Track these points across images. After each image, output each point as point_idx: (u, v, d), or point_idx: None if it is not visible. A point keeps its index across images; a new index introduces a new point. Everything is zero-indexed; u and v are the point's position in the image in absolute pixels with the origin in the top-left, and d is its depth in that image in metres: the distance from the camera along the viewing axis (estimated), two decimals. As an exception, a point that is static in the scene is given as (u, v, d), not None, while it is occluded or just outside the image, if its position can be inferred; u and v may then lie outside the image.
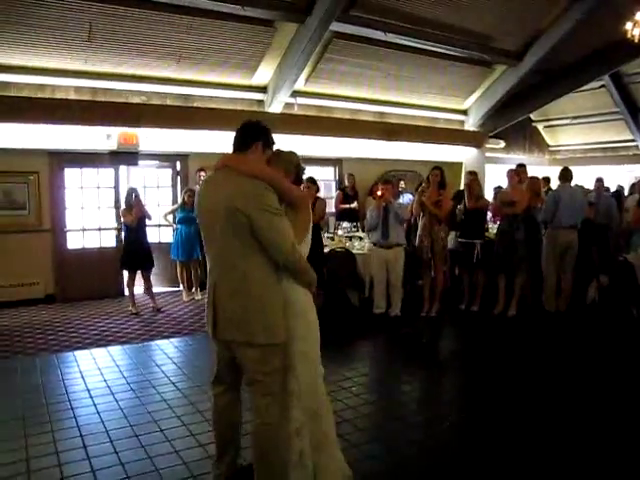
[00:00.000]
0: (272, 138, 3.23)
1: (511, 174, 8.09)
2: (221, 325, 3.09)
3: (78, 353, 6.36)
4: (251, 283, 2.99)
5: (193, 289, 9.38)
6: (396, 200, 8.20)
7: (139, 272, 8.43)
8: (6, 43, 7.88)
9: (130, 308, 8.32)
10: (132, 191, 8.35)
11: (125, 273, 8.71)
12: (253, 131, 3.15)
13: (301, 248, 3.15)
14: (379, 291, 7.77)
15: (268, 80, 10.08)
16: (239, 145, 3.14)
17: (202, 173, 9.26)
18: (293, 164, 3.32)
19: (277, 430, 3.07)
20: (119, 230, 9.42)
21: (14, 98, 8.28)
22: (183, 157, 10.08)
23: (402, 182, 11.54)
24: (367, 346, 6.89)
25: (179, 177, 10.20)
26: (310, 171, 9.25)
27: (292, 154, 3.37)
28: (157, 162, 10.11)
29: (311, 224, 3.30)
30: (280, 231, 2.94)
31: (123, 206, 8.33)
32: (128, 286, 8.49)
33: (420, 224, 7.97)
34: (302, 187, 3.80)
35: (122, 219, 8.38)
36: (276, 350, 3.05)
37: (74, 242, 9.41)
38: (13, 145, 8.40)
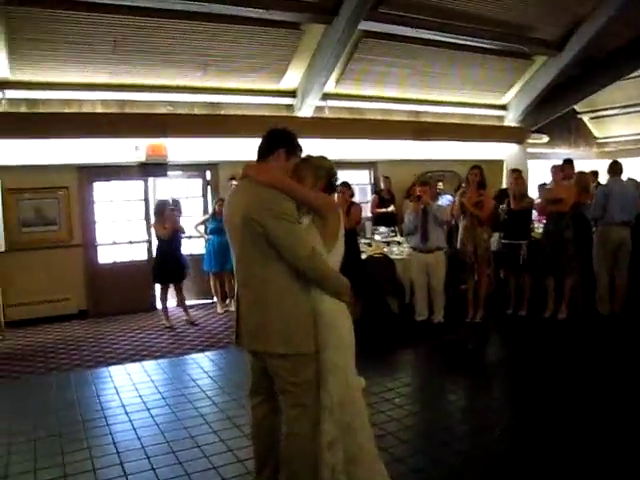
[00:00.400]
0: (297, 144, 3.24)
1: (555, 170, 7.97)
2: (243, 335, 3.20)
3: (112, 368, 6.48)
4: (270, 292, 3.04)
5: (227, 300, 9.47)
6: (435, 202, 8.15)
7: (172, 285, 8.58)
8: (34, 61, 8.16)
9: (164, 322, 8.44)
10: (163, 203, 8.50)
11: (157, 286, 8.85)
12: (276, 138, 3.20)
13: (331, 256, 3.15)
14: (420, 297, 7.73)
15: (297, 84, 10.18)
16: (262, 153, 3.20)
17: (233, 182, 9.36)
18: (324, 169, 3.31)
19: (306, 441, 3.08)
20: (150, 243, 9.58)
21: (42, 115, 8.56)
22: (213, 166, 10.20)
23: (440, 183, 11.45)
24: (409, 355, 6.85)
25: (209, 187, 10.33)
26: (344, 175, 9.28)
27: (322, 159, 3.36)
28: (186, 172, 10.27)
29: (342, 231, 3.27)
30: (297, 237, 2.99)
31: (154, 218, 8.46)
32: (161, 300, 8.62)
33: (461, 226, 7.91)
34: (336, 193, 3.82)
35: (155, 232, 8.51)
36: (305, 361, 3.06)
37: (105, 256, 9.61)
38: (42, 161, 8.64)
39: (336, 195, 6.53)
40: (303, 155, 3.30)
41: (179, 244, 8.54)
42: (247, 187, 3.12)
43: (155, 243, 8.76)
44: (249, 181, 3.12)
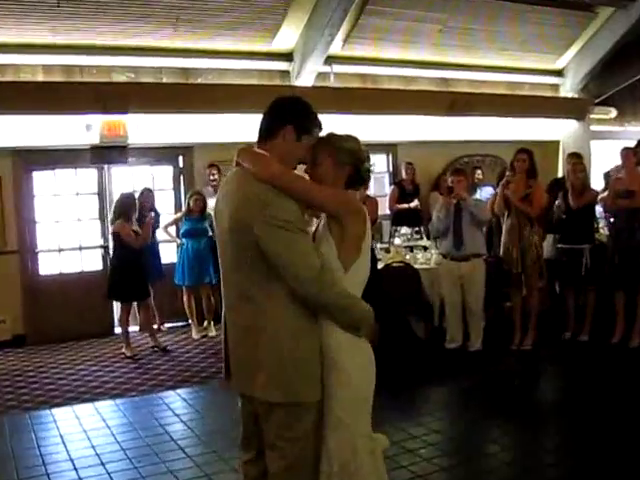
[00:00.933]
0: (314, 118, 3.12)
1: (626, 153, 7.96)
2: (233, 372, 3.17)
3: (57, 411, 6.45)
4: (265, 320, 2.96)
5: (205, 323, 9.48)
6: (471, 195, 8.14)
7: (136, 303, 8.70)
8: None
9: (124, 350, 8.44)
10: (132, 199, 8.59)
11: (117, 305, 8.93)
12: (281, 111, 3.08)
13: (350, 276, 3.05)
14: (453, 318, 7.72)
15: (293, 44, 10.21)
16: (263, 132, 3.09)
17: (214, 171, 9.38)
18: (348, 153, 3.15)
19: None
20: (107, 249, 9.61)
21: (-34, 84, 8.58)
22: (187, 150, 10.25)
23: (478, 171, 11.46)
24: (439, 393, 6.84)
25: (182, 176, 10.36)
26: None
27: (349, 139, 3.20)
28: (152, 158, 10.29)
29: (369, 241, 3.14)
30: (298, 253, 2.89)
31: (116, 218, 8.42)
32: (121, 322, 8.64)
33: (505, 226, 7.91)
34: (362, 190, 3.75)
35: (120, 236, 8.36)
36: (304, 411, 2.99)
37: (48, 266, 9.63)
38: (-34, 145, 8.67)
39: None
40: (323, 133, 3.18)
41: (156, 249, 8.71)
42: (240, 180, 3.03)
43: (112, 248, 8.77)
44: (243, 171, 3.02)
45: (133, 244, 8.30)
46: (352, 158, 3.14)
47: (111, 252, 8.99)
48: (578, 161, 8.22)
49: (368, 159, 3.24)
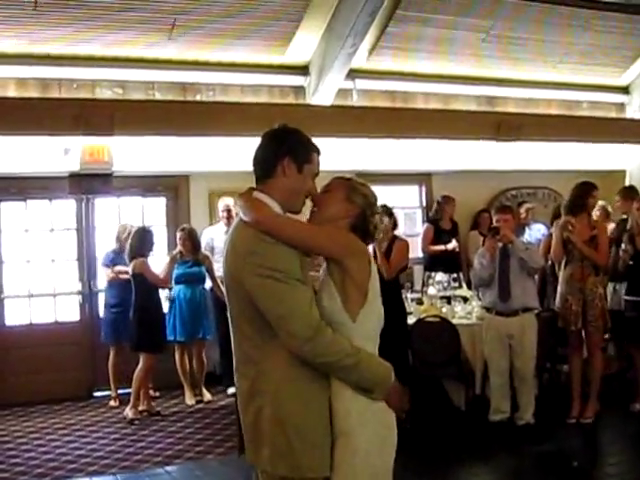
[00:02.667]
0: (310, 144, 3.25)
1: None
2: (245, 441, 3.24)
3: (23, 491, 6.46)
4: (267, 383, 3.06)
5: (199, 388, 9.50)
6: (519, 236, 8.13)
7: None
8: None
9: (127, 411, 8.54)
10: (150, 233, 8.75)
11: (109, 355, 9.12)
12: (273, 145, 3.21)
13: (357, 327, 3.10)
14: (498, 385, 7.65)
15: (310, 55, 10.29)
16: (259, 172, 3.22)
17: (224, 213, 9.41)
18: (361, 195, 3.32)
19: None
20: (85, 295, 9.72)
21: None
22: (182, 179, 10.33)
23: (524, 206, 11.39)
24: (481, 474, 6.78)
25: (175, 211, 10.44)
26: (381, 195, 9.18)
27: (367, 187, 3.40)
28: (141, 189, 10.36)
29: (376, 285, 3.23)
30: (288, 306, 2.96)
31: (128, 253, 8.59)
32: (113, 367, 8.97)
33: (563, 275, 7.87)
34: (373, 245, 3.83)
35: (148, 278, 8.51)
36: None
37: (16, 315, 9.68)
38: None
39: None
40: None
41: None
42: (235, 230, 3.19)
43: (134, 291, 8.71)
44: (239, 220, 3.17)
45: (160, 284, 8.51)
46: (364, 202, 3.31)
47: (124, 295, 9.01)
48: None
49: (377, 209, 3.38)
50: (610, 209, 9.55)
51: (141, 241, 8.56)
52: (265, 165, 3.18)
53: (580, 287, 7.67)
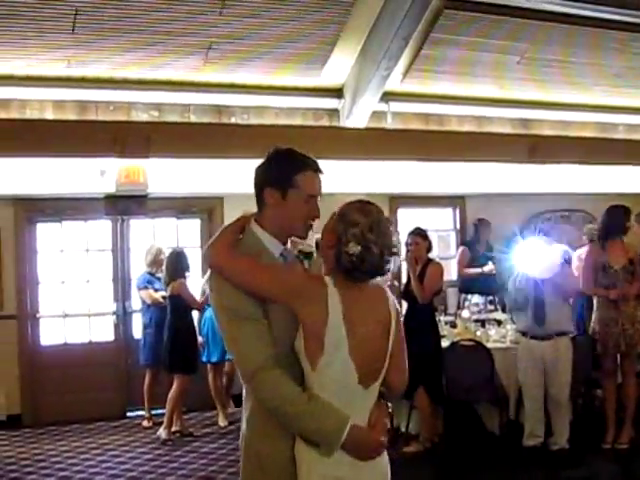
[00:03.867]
0: (291, 165, 3.17)
1: None
2: None
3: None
4: (245, 420, 3.17)
5: (232, 407, 9.52)
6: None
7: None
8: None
9: (161, 432, 8.58)
10: (184, 254, 8.85)
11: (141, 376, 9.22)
12: (256, 177, 3.23)
13: (317, 375, 2.95)
14: (533, 410, 7.59)
15: (344, 78, 10.31)
16: (256, 204, 3.26)
17: None
18: (345, 223, 3.01)
19: None
20: (120, 316, 9.83)
21: (-36, 122, 8.81)
22: (217, 201, 10.39)
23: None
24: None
25: (210, 232, 10.41)
26: (416, 218, 9.19)
27: (362, 210, 3.05)
28: (176, 210, 10.44)
29: (331, 334, 2.93)
30: (236, 343, 3.03)
31: (165, 276, 8.68)
32: (148, 388, 9.08)
33: (599, 299, 7.84)
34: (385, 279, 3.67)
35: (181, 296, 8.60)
36: None
37: (51, 335, 9.78)
38: (-39, 191, 8.87)
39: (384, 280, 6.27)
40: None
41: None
42: None
43: (169, 311, 8.79)
44: None
45: (196, 306, 8.60)
46: (342, 230, 3.00)
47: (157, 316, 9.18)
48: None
49: (365, 247, 2.95)
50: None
51: (174, 264, 8.61)
52: (256, 197, 3.21)
53: (619, 312, 7.63)
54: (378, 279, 3.16)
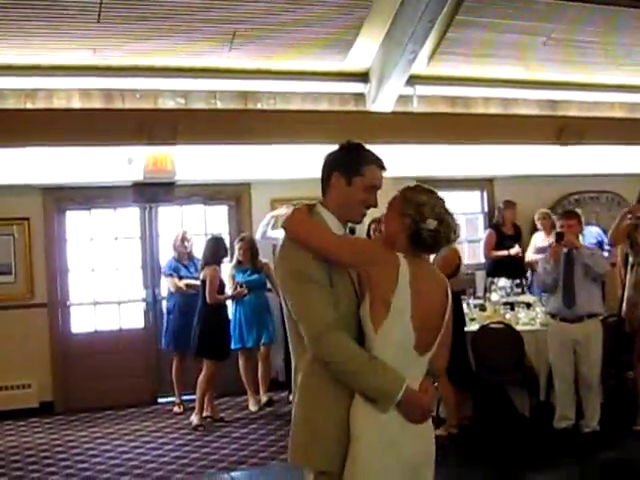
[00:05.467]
0: (360, 156, 3.46)
1: None
2: None
3: (92, 496, 6.58)
4: (298, 384, 3.34)
5: (261, 394, 9.54)
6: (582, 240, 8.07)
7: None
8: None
9: (193, 418, 8.63)
10: (222, 241, 8.92)
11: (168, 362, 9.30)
12: (325, 164, 3.52)
13: (380, 338, 3.17)
14: (563, 392, 7.58)
15: (370, 62, 10.29)
16: (322, 188, 3.53)
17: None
18: (415, 204, 3.31)
19: None
20: (150, 304, 9.95)
21: (-6, 111, 8.86)
22: (244, 187, 10.41)
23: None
24: (546, 483, 6.73)
25: (237, 219, 10.55)
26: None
27: (424, 192, 3.38)
28: (202, 197, 10.47)
29: (398, 297, 3.18)
30: (303, 306, 3.22)
31: (201, 261, 8.72)
32: (177, 373, 9.15)
33: (631, 279, 7.81)
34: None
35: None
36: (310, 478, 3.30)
37: (81, 322, 9.87)
38: (-8, 181, 8.94)
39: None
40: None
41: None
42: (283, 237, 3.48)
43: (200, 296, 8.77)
44: None
45: (209, 297, 8.44)
46: (414, 211, 3.29)
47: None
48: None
49: (440, 220, 3.28)
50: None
51: (211, 250, 8.65)
52: (322, 181, 3.50)
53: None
54: None
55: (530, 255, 10.65)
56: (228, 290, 9.03)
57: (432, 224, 3.25)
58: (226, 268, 9.22)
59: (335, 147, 3.55)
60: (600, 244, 9.96)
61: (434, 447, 3.35)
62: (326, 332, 3.13)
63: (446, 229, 3.29)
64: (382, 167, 3.46)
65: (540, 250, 10.23)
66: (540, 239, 10.63)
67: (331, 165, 3.46)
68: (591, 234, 10.55)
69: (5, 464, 7.46)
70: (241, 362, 9.43)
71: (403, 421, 3.18)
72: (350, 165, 3.40)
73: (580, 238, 9.82)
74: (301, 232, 3.28)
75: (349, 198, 3.39)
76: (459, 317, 7.61)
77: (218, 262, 8.59)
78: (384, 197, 3.48)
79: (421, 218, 3.26)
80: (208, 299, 8.44)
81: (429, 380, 3.35)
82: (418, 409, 3.20)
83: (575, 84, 11.75)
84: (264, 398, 9.40)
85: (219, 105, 9.99)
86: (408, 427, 3.19)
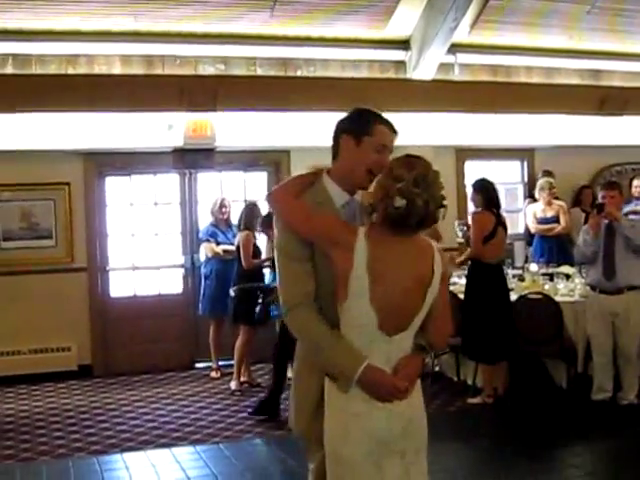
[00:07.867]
0: (369, 118, 3.33)
1: None
2: None
3: (129, 456, 6.60)
4: (295, 357, 3.49)
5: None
6: (624, 213, 7.97)
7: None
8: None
9: (232, 383, 8.74)
10: (257, 207, 8.94)
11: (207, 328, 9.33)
12: (336, 127, 3.42)
13: (344, 317, 3.14)
14: (602, 364, 7.55)
15: (411, 30, 10.22)
16: (332, 155, 3.44)
17: None
18: (392, 177, 3.09)
19: None
20: (188, 270, 9.98)
21: (36, 77, 8.93)
22: (284, 154, 10.38)
23: (637, 181, 11.06)
24: (583, 454, 6.65)
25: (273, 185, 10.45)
26: (483, 171, 9.08)
27: (405, 163, 3.15)
28: (243, 163, 10.46)
29: (355, 282, 3.08)
30: (281, 280, 3.30)
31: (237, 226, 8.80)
32: (214, 339, 9.25)
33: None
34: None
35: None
36: (311, 446, 3.41)
37: (121, 287, 9.96)
38: (34, 146, 9.00)
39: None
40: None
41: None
42: None
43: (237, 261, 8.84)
44: None
45: (245, 262, 8.49)
46: (388, 185, 3.09)
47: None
48: None
49: (409, 201, 3.02)
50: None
51: (247, 216, 8.69)
52: (333, 147, 3.40)
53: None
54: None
55: (532, 225, 10.54)
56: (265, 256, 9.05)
57: (399, 202, 3.03)
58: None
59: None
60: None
61: (418, 426, 3.24)
62: (294, 308, 3.21)
63: (415, 211, 3.03)
64: (393, 130, 3.34)
65: (543, 221, 10.25)
66: (539, 209, 10.49)
67: (339, 129, 3.36)
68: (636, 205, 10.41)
69: (45, 425, 7.56)
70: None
71: (368, 398, 3.13)
72: (359, 125, 3.31)
73: (627, 209, 9.75)
74: (280, 207, 3.35)
75: (358, 161, 3.25)
76: (498, 290, 7.62)
77: (252, 228, 8.60)
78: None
79: (392, 194, 3.05)
80: (244, 264, 8.48)
81: (412, 358, 3.23)
82: (382, 388, 3.11)
83: (618, 54, 11.62)
84: None
85: (259, 72, 9.98)
86: (375, 404, 3.13)
